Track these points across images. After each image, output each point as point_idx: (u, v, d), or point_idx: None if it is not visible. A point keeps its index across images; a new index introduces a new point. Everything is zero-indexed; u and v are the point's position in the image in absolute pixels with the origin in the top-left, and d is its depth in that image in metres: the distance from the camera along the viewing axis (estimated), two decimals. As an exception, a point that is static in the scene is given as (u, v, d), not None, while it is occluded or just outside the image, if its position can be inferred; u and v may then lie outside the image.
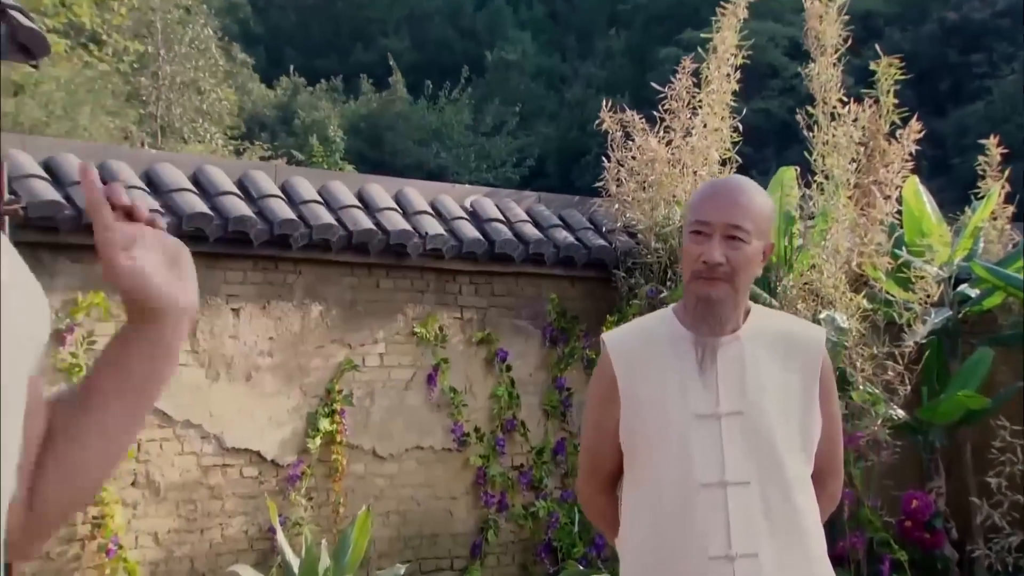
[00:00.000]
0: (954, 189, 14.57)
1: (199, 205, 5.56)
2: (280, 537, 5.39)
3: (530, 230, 6.76)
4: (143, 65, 15.95)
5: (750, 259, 2.45)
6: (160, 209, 5.44)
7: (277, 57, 27.44)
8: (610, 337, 2.55)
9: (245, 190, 5.89)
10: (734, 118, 7.04)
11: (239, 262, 5.81)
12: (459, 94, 25.70)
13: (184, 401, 5.59)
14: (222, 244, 5.67)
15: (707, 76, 7.03)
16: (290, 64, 26.56)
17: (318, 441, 5.96)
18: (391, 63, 25.73)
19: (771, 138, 21.83)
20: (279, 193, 5.95)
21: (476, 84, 26.56)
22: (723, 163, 7.01)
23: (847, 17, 6.99)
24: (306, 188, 6.09)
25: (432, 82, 25.69)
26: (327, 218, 5.96)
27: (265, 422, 5.86)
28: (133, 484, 5.48)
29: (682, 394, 2.45)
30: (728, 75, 7.06)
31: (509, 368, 6.67)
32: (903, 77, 7.19)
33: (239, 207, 5.69)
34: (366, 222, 6.08)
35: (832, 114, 6.93)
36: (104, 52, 14.82)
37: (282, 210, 5.83)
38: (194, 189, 5.66)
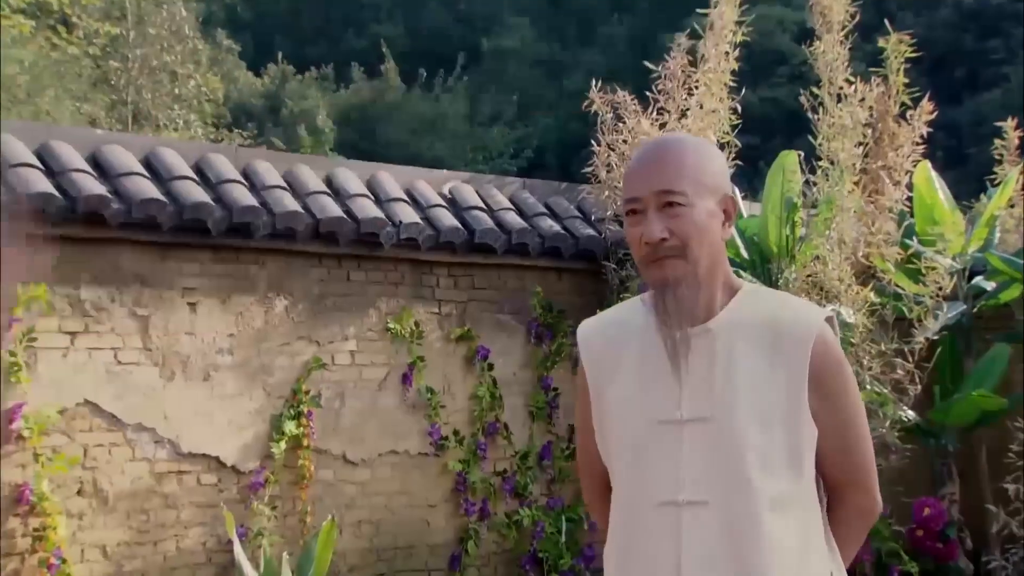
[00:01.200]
0: (970, 180, 14.39)
1: (151, 190, 5.37)
2: (238, 550, 5.16)
3: (513, 218, 6.61)
4: (115, 49, 15.79)
5: (701, 225, 2.15)
6: (107, 195, 5.21)
7: (265, 44, 27.25)
8: (582, 329, 2.36)
9: (203, 174, 5.71)
10: (733, 99, 6.84)
11: (196, 252, 5.63)
12: (454, 83, 25.57)
13: (136, 403, 5.42)
14: (177, 233, 5.49)
15: (704, 54, 6.82)
16: (278, 51, 26.37)
17: (283, 446, 5.80)
18: (384, 50, 25.58)
19: (779, 127, 21.60)
20: (240, 178, 5.76)
21: (472, 72, 26.42)
22: (721, 147, 6.78)
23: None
24: (270, 173, 5.91)
25: (426, 70, 25.55)
26: (292, 205, 5.78)
27: (225, 425, 5.69)
28: (79, 493, 5.28)
29: (644, 395, 2.21)
30: (727, 53, 6.86)
31: (491, 367, 6.53)
32: (914, 55, 7.03)
33: (196, 193, 5.50)
34: (335, 209, 5.91)
35: (839, 95, 6.75)
36: (75, 35, 14.65)
37: (243, 196, 5.64)
38: (145, 173, 5.47)
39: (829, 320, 2.23)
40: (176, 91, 16.61)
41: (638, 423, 2.21)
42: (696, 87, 6.78)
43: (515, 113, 25.81)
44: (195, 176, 5.60)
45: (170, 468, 5.52)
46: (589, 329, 2.34)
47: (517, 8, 29.68)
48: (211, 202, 5.50)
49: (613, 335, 2.26)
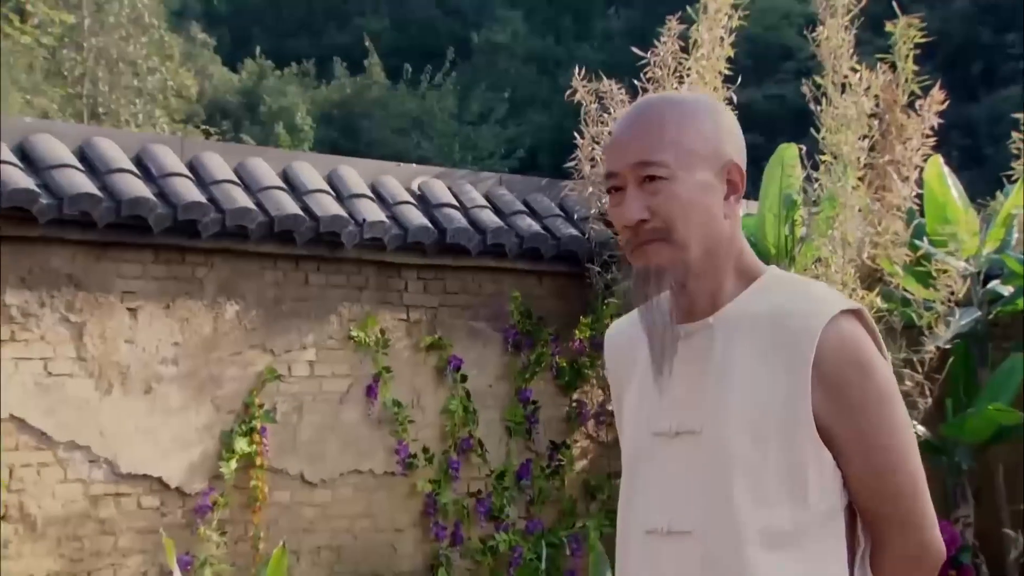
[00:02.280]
0: (987, 182, 14.29)
1: (85, 184, 5.21)
2: (178, 580, 4.96)
3: (489, 217, 6.49)
4: (72, 39, 15.66)
5: (687, 200, 1.90)
6: (35, 189, 5.01)
7: (243, 38, 27.16)
8: (608, 330, 2.18)
9: (144, 167, 5.56)
10: (728, 89, 6.70)
11: (136, 252, 5.49)
12: (442, 79, 25.43)
13: (68, 418, 5.27)
14: (114, 231, 5.35)
15: (696, 40, 6.70)
16: (256, 45, 26.27)
17: (233, 465, 5.67)
18: (367, 44, 25.46)
19: (785, 126, 21.47)
20: (185, 171, 5.62)
21: (461, 68, 26.29)
22: None
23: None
24: (219, 166, 5.76)
25: (412, 66, 25.41)
26: (244, 201, 5.63)
27: (168, 443, 5.55)
28: (3, 518, 5.14)
29: (640, 405, 2.01)
30: (721, 39, 6.75)
31: (464, 378, 6.42)
32: (924, 41, 6.88)
33: (135, 187, 5.34)
34: (291, 206, 5.77)
35: (843, 85, 6.61)
36: (29, 23, 14.50)
37: (188, 191, 5.49)
38: (79, 166, 5.32)
39: (856, 314, 1.93)
40: (138, 84, 16.49)
41: (636, 436, 2.02)
42: (688, 75, 6.66)
43: (506, 111, 25.70)
44: (135, 169, 5.45)
45: (107, 490, 5.38)
46: (615, 329, 2.16)
47: (509, 1, 29.58)
48: (153, 197, 5.35)
49: (635, 334, 2.04)
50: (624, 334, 2.12)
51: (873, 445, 1.89)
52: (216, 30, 26.02)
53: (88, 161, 5.39)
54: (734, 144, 1.97)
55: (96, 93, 15.68)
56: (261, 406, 5.76)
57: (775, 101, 23.22)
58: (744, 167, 1.96)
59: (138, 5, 16.27)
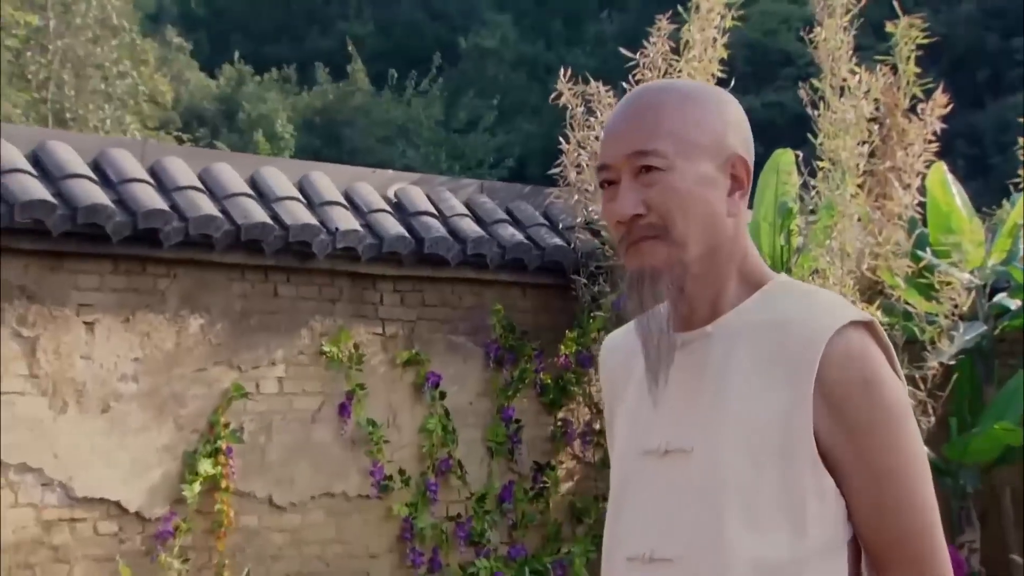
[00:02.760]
0: (993, 191, 14.34)
1: (38, 190, 5.18)
2: (136, 610, 4.90)
3: (469, 226, 6.48)
4: (37, 42, 15.64)
5: (687, 194, 1.81)
6: (-15, 195, 4.96)
7: (221, 42, 27.19)
8: (605, 341, 2.09)
9: (102, 173, 5.53)
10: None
11: (94, 263, 5.46)
12: (429, 85, 25.50)
13: (19, 439, 5.21)
14: (70, 240, 5.33)
15: (688, 40, 6.70)
16: (235, 50, 26.32)
17: (197, 488, 5.62)
18: (350, 49, 25.54)
19: (784, 134, 21.49)
20: (146, 177, 5.59)
21: (448, 74, 26.36)
22: None
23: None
24: (182, 171, 5.74)
25: (398, 71, 25.46)
26: (208, 208, 5.61)
27: (127, 465, 5.51)
28: None
29: (633, 421, 1.92)
30: (714, 40, 6.76)
31: (443, 395, 6.40)
32: (926, 40, 6.85)
33: (92, 193, 5.31)
34: (260, 214, 5.74)
35: (842, 87, 6.61)
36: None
37: (150, 198, 5.46)
38: (32, 171, 5.29)
39: (868, 326, 1.82)
40: (107, 89, 16.47)
41: (625, 454, 1.92)
42: (679, 78, 6.63)
43: (495, 119, 25.75)
44: (92, 174, 5.42)
45: (61, 515, 5.34)
46: (610, 341, 2.07)
47: (498, 4, 29.66)
48: (111, 204, 5.32)
49: (631, 345, 1.96)
50: (619, 345, 2.03)
51: (879, 473, 1.78)
52: (193, 34, 26.05)
53: (42, 166, 5.36)
54: (740, 136, 1.87)
55: (62, 98, 15.67)
56: (227, 425, 5.73)
57: (774, 109, 23.24)
58: (751, 163, 1.87)
59: (107, 7, 16.25)
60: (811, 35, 6.81)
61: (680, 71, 6.57)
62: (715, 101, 1.87)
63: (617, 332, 2.07)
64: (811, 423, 1.76)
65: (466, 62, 28.08)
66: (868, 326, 1.82)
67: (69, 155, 5.41)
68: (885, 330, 5.79)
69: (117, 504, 5.45)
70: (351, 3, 29.90)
